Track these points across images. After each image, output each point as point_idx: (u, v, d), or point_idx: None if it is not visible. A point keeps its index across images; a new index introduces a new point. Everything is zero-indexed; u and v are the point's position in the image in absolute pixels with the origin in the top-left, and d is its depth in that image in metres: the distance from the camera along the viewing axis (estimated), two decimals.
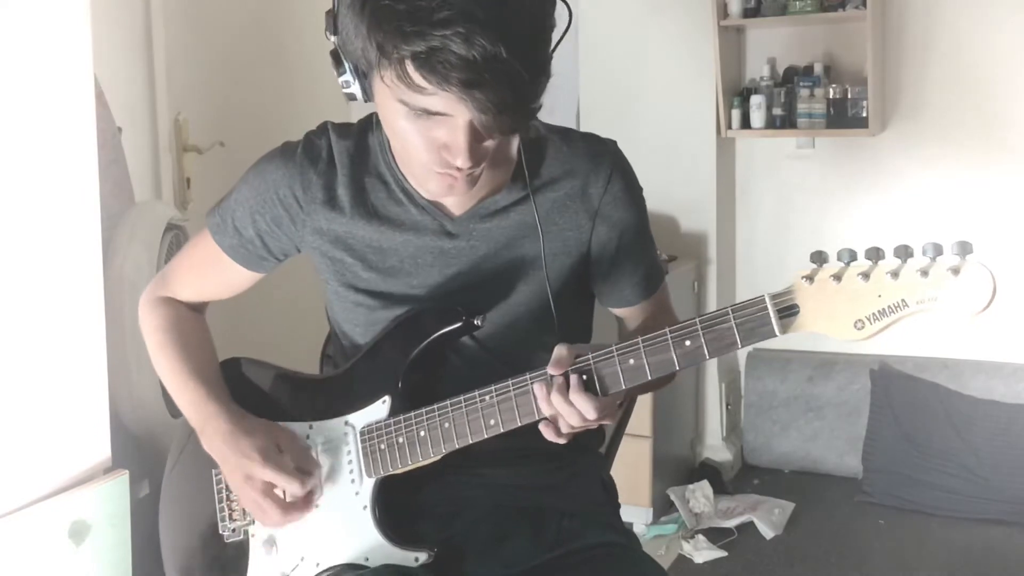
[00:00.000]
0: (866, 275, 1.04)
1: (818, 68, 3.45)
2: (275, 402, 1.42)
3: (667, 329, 1.13)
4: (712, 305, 3.65)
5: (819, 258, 1.07)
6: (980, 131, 3.40)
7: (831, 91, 3.40)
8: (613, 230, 1.34)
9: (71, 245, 2.03)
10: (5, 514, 1.86)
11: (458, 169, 1.15)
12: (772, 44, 3.60)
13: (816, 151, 3.63)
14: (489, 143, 1.14)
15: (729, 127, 3.54)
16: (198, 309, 1.52)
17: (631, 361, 1.14)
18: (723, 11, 3.43)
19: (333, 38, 1.16)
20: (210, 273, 1.45)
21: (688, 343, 1.11)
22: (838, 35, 3.50)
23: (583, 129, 3.54)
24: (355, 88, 1.17)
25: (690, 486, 3.39)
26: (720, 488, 3.46)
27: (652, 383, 1.21)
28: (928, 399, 3.39)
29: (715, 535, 3.16)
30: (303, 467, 1.32)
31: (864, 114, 3.35)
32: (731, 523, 3.21)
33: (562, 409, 1.15)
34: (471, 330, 1.29)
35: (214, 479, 1.43)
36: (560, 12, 1.16)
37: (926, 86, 3.44)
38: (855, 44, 3.43)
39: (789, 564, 3.04)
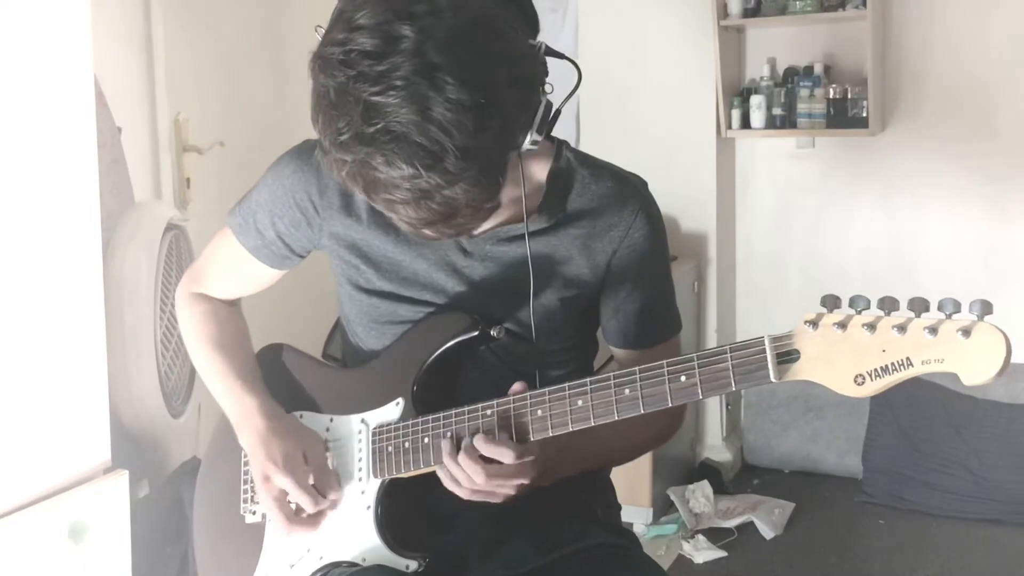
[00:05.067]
0: (872, 326, 0.98)
1: (818, 68, 3.45)
2: (303, 392, 1.43)
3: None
4: (712, 305, 3.65)
5: (831, 303, 1.01)
6: (979, 131, 3.39)
7: (831, 91, 3.40)
8: (629, 272, 1.32)
9: (71, 245, 2.03)
10: (5, 514, 1.86)
11: None
12: (772, 44, 3.60)
13: (816, 151, 3.62)
14: None
15: (729, 127, 3.54)
16: (233, 303, 1.53)
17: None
18: (723, 11, 3.42)
19: None
20: (237, 271, 1.45)
21: (683, 378, 1.10)
22: (838, 35, 3.50)
23: (583, 130, 3.57)
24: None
25: (690, 486, 3.39)
26: (720, 488, 3.46)
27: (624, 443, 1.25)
28: (928, 399, 3.39)
29: (715, 535, 3.16)
30: (321, 485, 1.32)
31: (864, 114, 3.35)
32: (731, 523, 3.21)
33: (468, 468, 1.18)
34: (488, 340, 1.29)
35: (242, 461, 1.44)
36: (561, 69, 1.16)
37: (926, 86, 3.44)
38: (855, 44, 3.43)
39: (789, 564, 3.04)
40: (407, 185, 1.03)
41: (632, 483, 3.16)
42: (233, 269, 1.45)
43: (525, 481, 1.21)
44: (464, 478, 1.20)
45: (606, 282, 1.32)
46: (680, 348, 1.40)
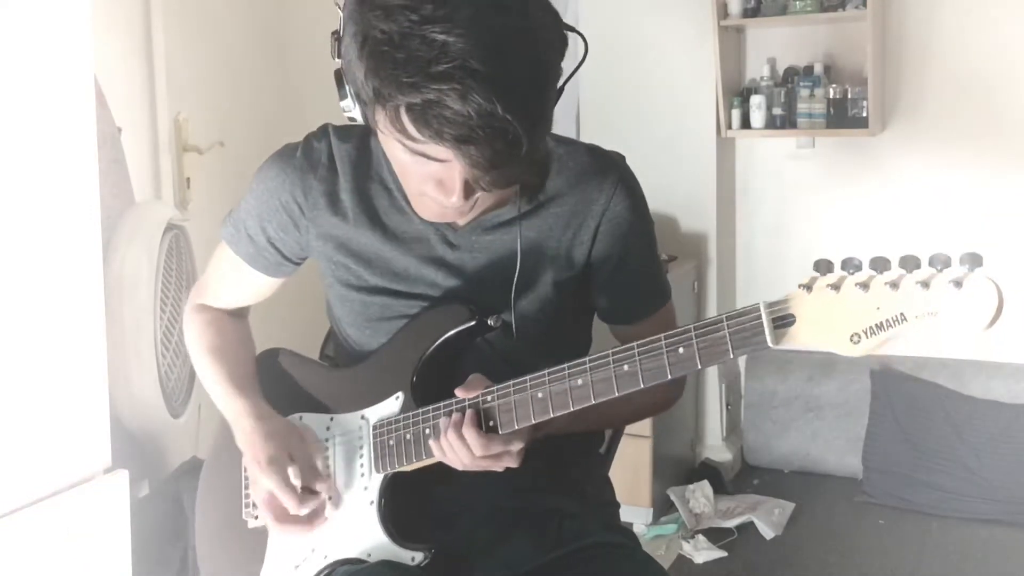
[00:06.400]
0: (865, 285, 0.98)
1: (818, 68, 3.45)
2: (303, 394, 1.44)
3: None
4: (712, 305, 3.65)
5: (823, 267, 1.02)
6: (980, 131, 3.40)
7: (831, 91, 3.40)
8: (614, 246, 1.32)
9: (71, 245, 2.03)
10: (5, 514, 1.86)
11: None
12: (772, 44, 3.60)
13: (816, 151, 3.63)
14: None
15: (729, 127, 3.54)
16: (237, 313, 1.53)
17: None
18: (723, 11, 3.42)
19: (338, 60, 1.15)
20: (236, 281, 1.46)
21: (680, 350, 1.10)
22: (838, 35, 3.50)
23: (584, 130, 3.57)
24: (356, 113, 1.15)
25: (690, 486, 3.39)
26: (720, 488, 3.46)
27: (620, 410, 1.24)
28: (928, 399, 3.39)
29: (715, 535, 3.16)
30: (306, 484, 1.32)
31: (864, 114, 3.35)
32: (731, 523, 3.21)
33: (455, 445, 1.20)
34: (485, 331, 1.29)
35: (243, 465, 1.43)
36: (572, 47, 1.15)
37: (926, 86, 3.45)
38: (855, 44, 3.43)
39: (789, 564, 3.04)
40: (478, 121, 1.02)
41: (632, 483, 3.16)
42: (231, 279, 1.46)
43: (521, 444, 1.22)
44: (453, 456, 1.22)
45: (593, 256, 1.33)
46: (674, 313, 1.42)
